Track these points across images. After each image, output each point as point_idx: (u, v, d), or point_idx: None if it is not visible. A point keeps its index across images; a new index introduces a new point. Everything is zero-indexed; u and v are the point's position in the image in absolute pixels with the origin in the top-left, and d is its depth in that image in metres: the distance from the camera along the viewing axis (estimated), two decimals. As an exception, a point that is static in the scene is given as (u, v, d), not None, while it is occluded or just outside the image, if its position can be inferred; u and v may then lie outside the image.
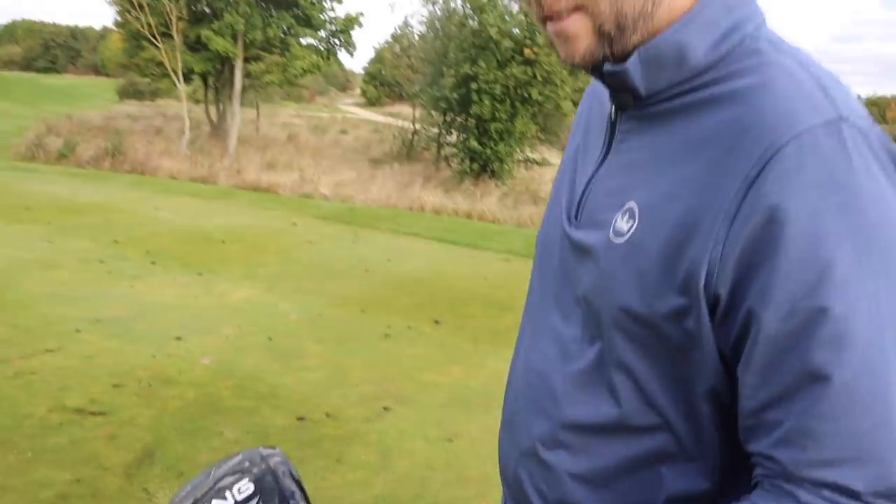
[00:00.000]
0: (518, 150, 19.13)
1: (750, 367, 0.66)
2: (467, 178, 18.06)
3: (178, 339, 4.69)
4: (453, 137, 20.49)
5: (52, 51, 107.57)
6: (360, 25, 24.09)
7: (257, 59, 23.08)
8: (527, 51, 16.52)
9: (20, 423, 3.41)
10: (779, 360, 0.64)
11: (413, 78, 24.16)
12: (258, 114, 30.69)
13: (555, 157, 20.63)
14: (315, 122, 40.21)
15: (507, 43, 16.75)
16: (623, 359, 0.74)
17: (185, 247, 7.46)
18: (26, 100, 50.74)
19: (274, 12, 22.49)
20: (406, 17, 19.82)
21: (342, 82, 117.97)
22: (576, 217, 0.82)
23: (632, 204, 0.74)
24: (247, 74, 23.01)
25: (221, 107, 25.30)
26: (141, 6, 19.68)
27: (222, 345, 4.64)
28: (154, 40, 20.14)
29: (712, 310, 0.67)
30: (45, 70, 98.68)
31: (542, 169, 20.17)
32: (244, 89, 23.68)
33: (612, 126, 0.80)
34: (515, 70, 16.75)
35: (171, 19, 19.90)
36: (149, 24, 19.77)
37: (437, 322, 5.35)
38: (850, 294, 0.62)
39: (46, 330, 4.74)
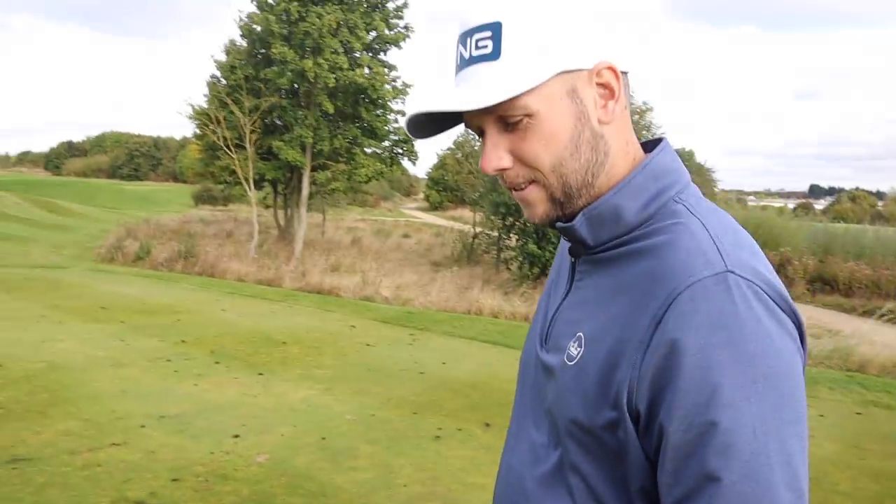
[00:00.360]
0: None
1: (664, 470, 0.81)
2: (526, 282, 18.23)
3: (237, 436, 4.86)
4: (512, 241, 20.82)
5: (136, 159, 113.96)
6: (423, 135, 25.06)
7: (324, 167, 24.11)
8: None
9: (84, 513, 3.59)
10: (683, 464, 0.78)
11: (474, 183, 24.76)
12: (324, 218, 31.73)
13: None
14: (379, 226, 41.27)
15: None
16: (575, 462, 0.90)
17: (248, 347, 7.74)
18: (110, 205, 53.73)
19: (341, 124, 23.66)
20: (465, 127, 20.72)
21: (406, 187, 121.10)
22: (545, 342, 1.00)
23: (580, 334, 0.91)
24: (314, 181, 24.04)
25: (289, 212, 26.34)
26: (218, 121, 21.04)
27: (278, 443, 4.79)
28: (228, 151, 21.35)
29: (636, 422, 0.83)
30: (129, 177, 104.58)
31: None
32: (311, 195, 24.71)
33: (573, 268, 0.99)
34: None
35: (245, 132, 21.13)
36: (224, 137, 21.04)
37: (487, 425, 5.40)
38: (735, 412, 0.76)
39: (114, 424, 4.99)
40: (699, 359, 0.77)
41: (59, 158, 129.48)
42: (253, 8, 22.50)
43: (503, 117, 0.88)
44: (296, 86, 22.17)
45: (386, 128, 24.41)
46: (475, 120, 0.91)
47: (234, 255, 20.41)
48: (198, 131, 24.18)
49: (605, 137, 0.91)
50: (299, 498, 3.92)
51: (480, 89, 0.86)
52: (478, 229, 25.43)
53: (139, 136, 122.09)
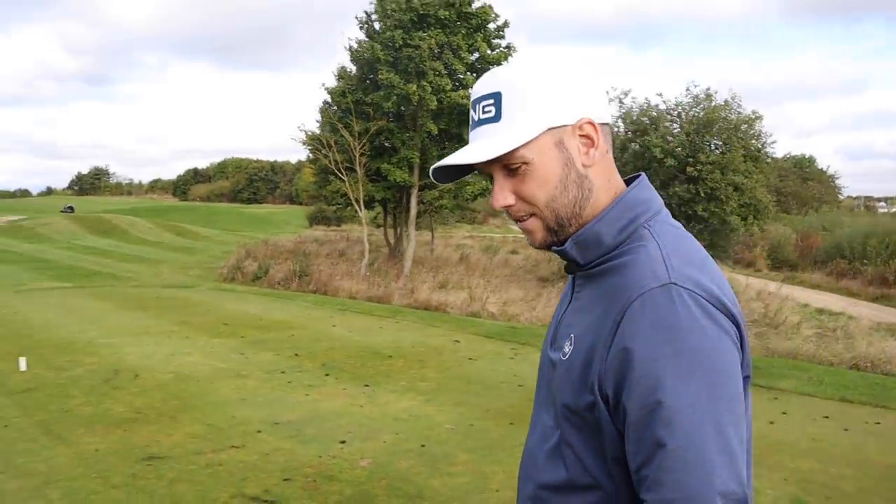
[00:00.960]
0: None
1: (629, 441, 1.04)
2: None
3: (343, 442, 5.22)
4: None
5: (255, 183, 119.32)
6: (528, 152, 25.24)
7: (432, 186, 24.67)
8: (689, 168, 16.64)
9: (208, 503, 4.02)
10: (640, 435, 1.01)
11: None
12: (433, 236, 32.34)
13: (725, 272, 20.07)
14: (487, 243, 41.59)
15: (670, 161, 16.99)
16: (568, 439, 1.14)
17: (356, 360, 8.16)
18: (231, 227, 56.60)
19: (447, 144, 24.18)
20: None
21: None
22: (553, 343, 1.25)
23: (572, 335, 1.17)
24: (421, 200, 24.65)
25: (399, 230, 27.06)
26: (329, 145, 22.01)
27: (380, 449, 5.11)
28: (339, 174, 22.24)
29: (606, 404, 1.06)
30: (249, 200, 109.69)
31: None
32: (419, 214, 25.34)
33: (573, 282, 1.25)
34: (678, 188, 16.86)
35: (355, 155, 21.99)
36: (335, 161, 21.95)
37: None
38: (676, 393, 0.99)
39: (234, 429, 5.46)
40: (647, 353, 1.01)
41: (185, 185, 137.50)
42: (362, 35, 23.46)
43: (506, 165, 1.13)
44: (402, 109, 22.88)
45: (491, 147, 24.74)
46: (486, 168, 1.16)
47: (345, 274, 21.19)
48: (311, 155, 25.32)
49: (588, 177, 1.15)
50: (398, 499, 4.21)
51: (487, 145, 1.11)
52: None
53: (258, 161, 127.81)
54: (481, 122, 1.15)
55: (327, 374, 7.41)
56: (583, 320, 1.15)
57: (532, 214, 1.16)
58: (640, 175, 1.21)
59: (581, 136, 1.14)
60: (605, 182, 1.17)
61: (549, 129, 1.11)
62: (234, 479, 4.46)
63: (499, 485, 4.48)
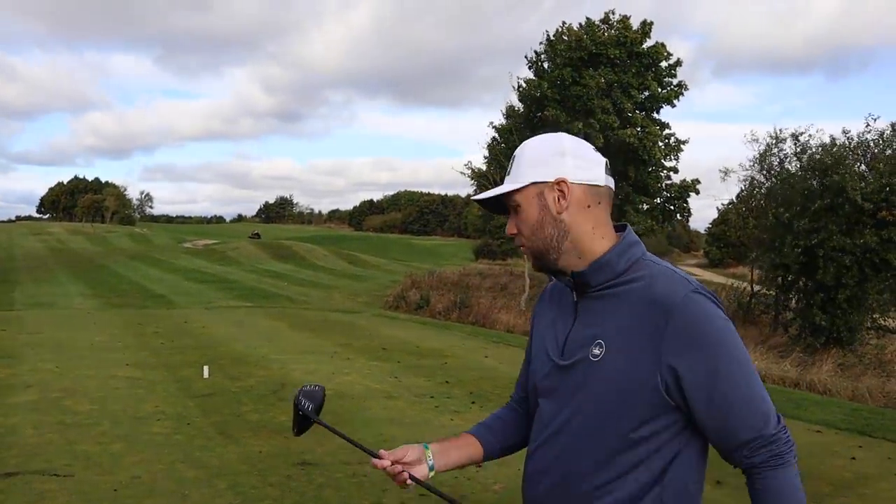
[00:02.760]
0: (869, 317, 17.60)
1: (702, 406, 1.41)
2: (806, 345, 16.94)
3: (479, 466, 5.48)
4: (792, 303, 19.48)
5: (426, 216, 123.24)
6: (697, 192, 24.60)
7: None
8: (883, 213, 15.49)
9: (349, 510, 4.41)
10: (710, 395, 1.40)
11: (760, 238, 23.63)
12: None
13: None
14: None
15: (867, 205, 15.87)
16: (601, 413, 1.48)
17: (503, 391, 8.40)
18: (401, 258, 58.87)
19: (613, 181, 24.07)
20: (751, 180, 19.90)
21: (686, 243, 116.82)
22: (562, 354, 1.54)
23: (600, 341, 1.48)
24: (583, 237, 24.62)
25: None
26: (495, 181, 22.62)
27: (513, 476, 5.30)
28: (503, 209, 22.75)
29: (664, 381, 1.41)
30: (419, 232, 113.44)
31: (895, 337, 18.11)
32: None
33: (575, 304, 1.57)
34: (868, 235, 15.75)
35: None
36: (499, 196, 22.51)
37: (718, 483, 5.44)
38: (723, 367, 1.39)
39: (380, 445, 5.80)
40: (701, 346, 1.40)
41: (360, 215, 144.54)
42: (531, 75, 24.01)
43: (510, 205, 1.57)
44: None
45: (658, 185, 24.35)
46: (507, 204, 1.57)
47: (504, 307, 21.55)
48: (478, 190, 26.10)
49: (564, 221, 1.52)
50: (524, 523, 4.39)
51: (497, 189, 1.57)
52: (756, 287, 24.07)
53: (430, 194, 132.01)
54: (508, 173, 1.58)
55: (473, 402, 7.71)
56: (608, 327, 1.47)
57: (522, 245, 1.58)
58: (625, 224, 1.59)
59: (558, 190, 1.51)
60: (588, 228, 1.52)
61: (534, 183, 1.52)
62: (375, 489, 4.84)
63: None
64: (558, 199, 1.50)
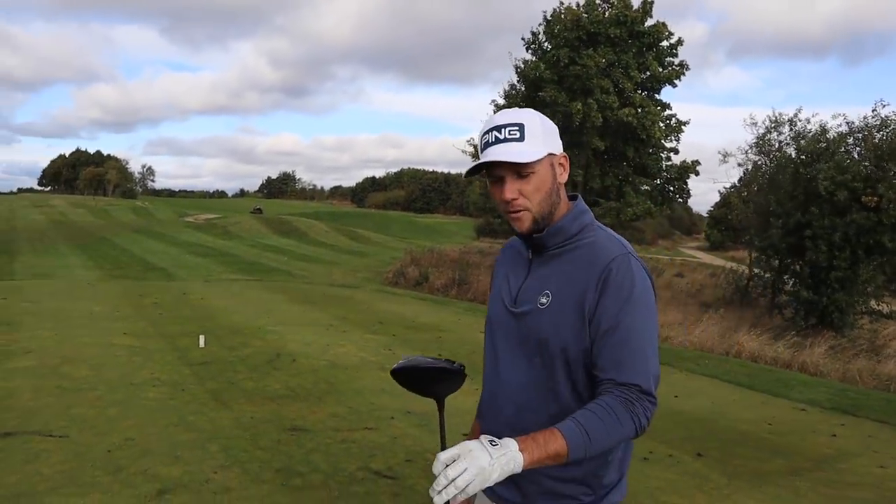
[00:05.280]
0: (862, 301, 17.71)
1: (599, 342, 1.62)
2: (800, 328, 17.09)
3: (465, 434, 5.59)
4: (788, 286, 19.63)
5: (428, 194, 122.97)
6: (696, 174, 24.61)
7: (595, 203, 24.63)
8: (865, 198, 15.58)
9: (336, 473, 4.55)
10: (608, 340, 1.61)
11: (745, 225, 23.76)
12: (595, 254, 32.11)
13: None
14: (652, 265, 40.63)
15: (840, 195, 16.00)
16: (555, 373, 1.65)
17: (494, 365, 8.54)
18: (402, 235, 58.93)
19: (612, 161, 24.09)
20: (754, 164, 19.94)
21: (687, 225, 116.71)
22: (514, 302, 1.71)
23: (547, 291, 1.64)
24: (582, 218, 24.68)
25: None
26: (496, 159, 22.64)
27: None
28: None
29: (589, 322, 1.63)
30: (421, 210, 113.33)
31: (890, 321, 18.23)
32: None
33: (529, 262, 1.72)
34: (857, 216, 15.82)
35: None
36: (499, 175, 22.54)
37: (699, 455, 5.58)
38: (628, 316, 1.59)
39: (370, 414, 6.01)
40: (619, 293, 1.62)
41: (363, 192, 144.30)
42: (528, 56, 23.93)
43: (520, 171, 1.66)
44: (566, 126, 23.10)
45: (658, 166, 24.36)
46: (501, 170, 1.66)
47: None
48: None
49: (559, 191, 1.73)
50: (505, 488, 4.52)
51: (522, 152, 1.64)
52: (754, 271, 24.20)
53: (433, 172, 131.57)
54: (507, 140, 1.65)
55: (465, 375, 7.83)
56: (556, 280, 1.69)
57: (526, 209, 1.68)
58: (576, 195, 1.80)
59: (559, 163, 1.73)
60: (563, 196, 1.76)
61: (548, 155, 1.69)
62: (363, 454, 4.97)
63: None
64: (561, 172, 1.73)
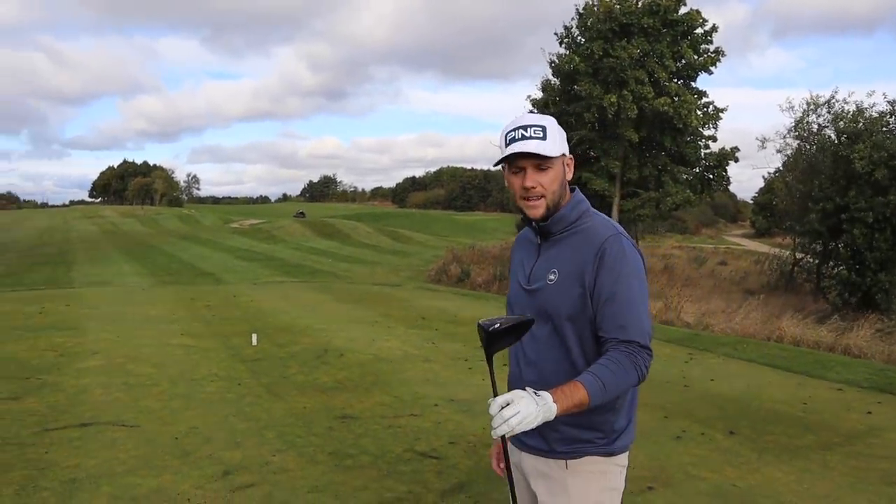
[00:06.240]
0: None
1: (601, 309, 1.98)
2: (843, 311, 16.98)
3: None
4: (832, 271, 19.48)
5: (468, 192, 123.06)
6: (736, 160, 24.44)
7: (634, 194, 24.62)
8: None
9: (384, 454, 4.89)
10: (608, 309, 1.97)
11: (784, 210, 23.53)
12: (637, 245, 32.02)
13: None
14: (695, 254, 40.35)
15: (880, 173, 15.86)
16: (565, 334, 1.96)
17: (534, 355, 8.81)
18: (443, 233, 59.28)
19: (652, 152, 24.06)
20: (798, 148, 19.89)
21: (732, 213, 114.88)
22: (528, 281, 2.01)
23: (555, 269, 1.96)
24: (622, 210, 24.71)
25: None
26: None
27: (537, 427, 5.72)
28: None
29: (591, 292, 1.88)
30: (461, 208, 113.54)
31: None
32: (620, 223, 25.37)
33: (539, 247, 2.03)
34: (894, 196, 15.69)
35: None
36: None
37: (731, 432, 5.79)
38: (629, 285, 1.95)
39: (415, 402, 6.35)
40: (614, 267, 1.94)
41: (403, 192, 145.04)
42: (562, 49, 24.05)
43: (541, 164, 1.99)
44: (601, 119, 23.16)
45: (696, 154, 24.27)
46: (524, 162, 1.98)
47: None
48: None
49: (566, 185, 2.08)
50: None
51: (548, 147, 1.97)
52: (798, 255, 23.98)
53: (472, 170, 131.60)
54: (532, 137, 1.96)
55: (504, 364, 8.06)
56: (560, 260, 2.01)
57: (542, 196, 2.00)
58: (575, 187, 2.12)
59: (567, 163, 2.08)
60: (567, 189, 2.09)
61: (563, 154, 2.04)
62: (408, 438, 5.31)
63: (635, 464, 4.91)
64: (568, 171, 2.07)
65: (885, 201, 16.01)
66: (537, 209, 2.00)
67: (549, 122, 2.00)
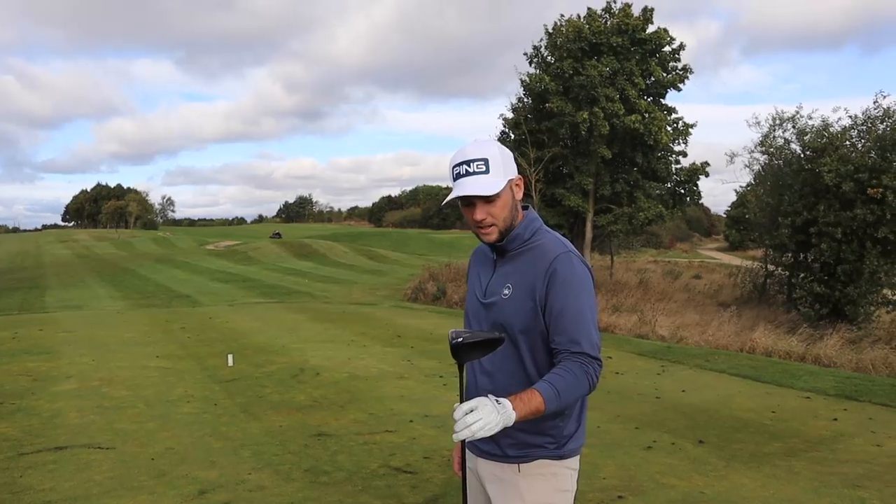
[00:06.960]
0: (877, 292, 17.87)
1: (552, 321, 2.04)
2: (814, 322, 17.29)
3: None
4: (802, 280, 19.83)
5: (444, 210, 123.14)
6: (706, 175, 24.84)
7: (607, 210, 24.89)
8: (871, 191, 15.81)
9: (359, 470, 4.95)
10: (559, 322, 2.02)
11: (754, 224, 23.92)
12: (612, 260, 32.38)
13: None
14: (670, 268, 40.78)
15: (846, 186, 16.24)
16: (520, 347, 2.04)
17: (508, 370, 8.91)
18: (420, 252, 59.34)
19: (621, 168, 24.38)
20: (768, 161, 20.25)
21: (706, 227, 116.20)
22: (484, 295, 2.12)
23: (509, 284, 2.06)
24: (595, 225, 24.99)
25: (574, 255, 27.47)
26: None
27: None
28: (514, 200, 23.21)
29: (542, 307, 1.97)
30: (437, 226, 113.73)
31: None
32: (594, 239, 25.67)
33: (495, 262, 2.14)
34: (860, 210, 16.05)
35: (531, 182, 22.87)
36: (510, 187, 22.97)
37: (700, 442, 5.92)
38: (578, 299, 2.03)
39: (390, 418, 6.42)
40: (564, 283, 2.03)
41: (380, 211, 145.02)
42: (532, 69, 24.37)
43: (489, 197, 2.05)
44: (574, 136, 23.46)
45: (667, 169, 24.63)
46: (472, 197, 2.05)
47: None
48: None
49: (517, 207, 2.16)
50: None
51: (491, 184, 2.04)
52: (770, 268, 24.35)
53: (448, 187, 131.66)
54: (475, 173, 2.04)
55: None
56: (514, 276, 2.11)
57: (493, 224, 2.11)
58: (527, 205, 2.22)
59: (516, 185, 2.15)
60: (519, 209, 2.18)
61: (509, 180, 2.09)
62: (383, 454, 5.37)
63: (607, 474, 5.04)
64: (517, 191, 2.14)
65: (851, 215, 16.38)
66: (490, 235, 2.11)
67: (492, 151, 2.05)
